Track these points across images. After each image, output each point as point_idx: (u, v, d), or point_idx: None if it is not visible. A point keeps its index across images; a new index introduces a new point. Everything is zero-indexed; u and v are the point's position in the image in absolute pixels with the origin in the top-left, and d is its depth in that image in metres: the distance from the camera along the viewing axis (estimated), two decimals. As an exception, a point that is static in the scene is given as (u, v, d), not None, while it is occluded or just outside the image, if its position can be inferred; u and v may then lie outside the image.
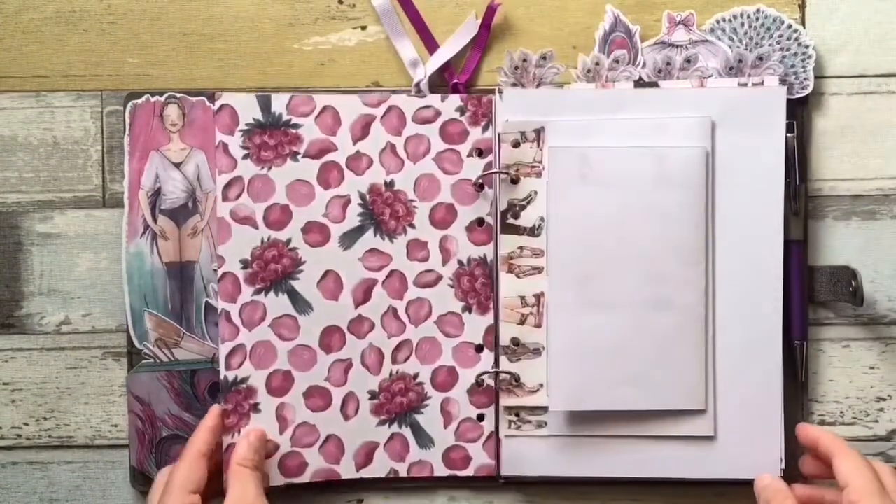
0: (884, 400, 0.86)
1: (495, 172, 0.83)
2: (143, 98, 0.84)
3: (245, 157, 0.83)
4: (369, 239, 0.84)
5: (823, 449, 0.77)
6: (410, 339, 0.84)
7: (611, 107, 0.82)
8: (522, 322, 0.83)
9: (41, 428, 0.86)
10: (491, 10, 0.85)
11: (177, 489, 0.75)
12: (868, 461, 0.74)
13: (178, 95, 0.84)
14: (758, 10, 0.84)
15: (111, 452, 0.86)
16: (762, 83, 0.83)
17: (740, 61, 0.83)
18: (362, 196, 0.84)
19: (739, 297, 0.82)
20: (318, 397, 0.84)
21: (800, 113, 0.84)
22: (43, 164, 0.86)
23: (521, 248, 0.83)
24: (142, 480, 0.85)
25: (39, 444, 0.86)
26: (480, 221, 0.84)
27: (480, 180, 0.83)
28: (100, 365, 0.86)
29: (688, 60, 0.84)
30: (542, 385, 0.83)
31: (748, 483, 0.80)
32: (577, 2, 0.86)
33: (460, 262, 0.84)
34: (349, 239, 0.84)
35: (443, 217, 0.84)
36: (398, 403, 0.84)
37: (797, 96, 0.84)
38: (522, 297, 0.83)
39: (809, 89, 0.84)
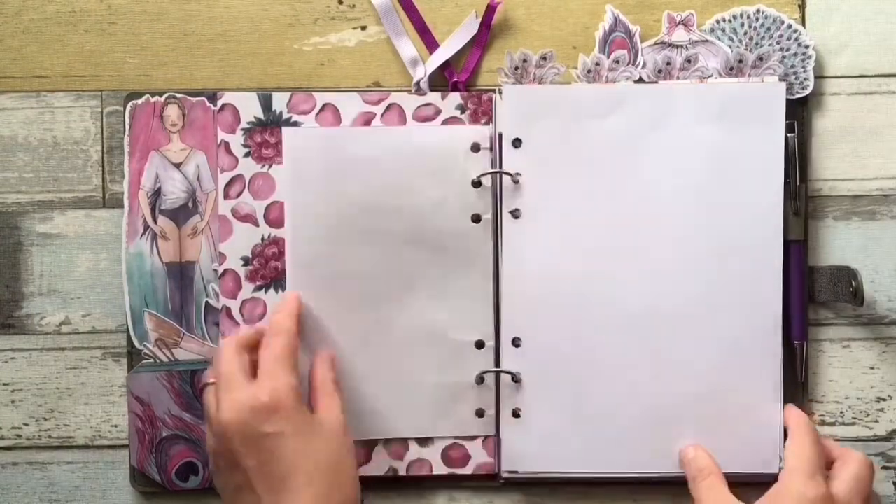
0: (884, 400, 0.86)
1: (496, 172, 0.83)
2: (143, 98, 0.85)
3: (246, 155, 0.84)
4: (369, 236, 0.84)
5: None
6: (411, 336, 0.85)
7: (610, 104, 0.82)
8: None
9: (41, 428, 0.86)
10: (491, 10, 0.85)
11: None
12: (815, 445, 0.78)
13: (178, 95, 0.84)
14: (758, 11, 0.84)
15: (111, 453, 0.86)
16: (762, 83, 0.83)
17: (740, 61, 0.83)
18: (362, 193, 0.84)
19: (739, 296, 0.82)
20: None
21: (800, 113, 0.84)
22: (43, 164, 0.86)
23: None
24: (142, 480, 0.85)
25: (39, 444, 0.86)
26: (477, 218, 0.84)
27: (480, 177, 0.83)
28: (100, 365, 0.86)
29: (688, 60, 0.84)
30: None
31: (749, 483, 0.80)
32: (577, 2, 0.86)
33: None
34: (349, 236, 0.84)
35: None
36: (398, 401, 0.85)
37: (797, 96, 0.84)
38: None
39: (809, 89, 0.84)
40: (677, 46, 0.84)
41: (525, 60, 0.84)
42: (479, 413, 0.84)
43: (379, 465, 0.84)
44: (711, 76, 0.84)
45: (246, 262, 0.84)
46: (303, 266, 0.83)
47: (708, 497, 0.79)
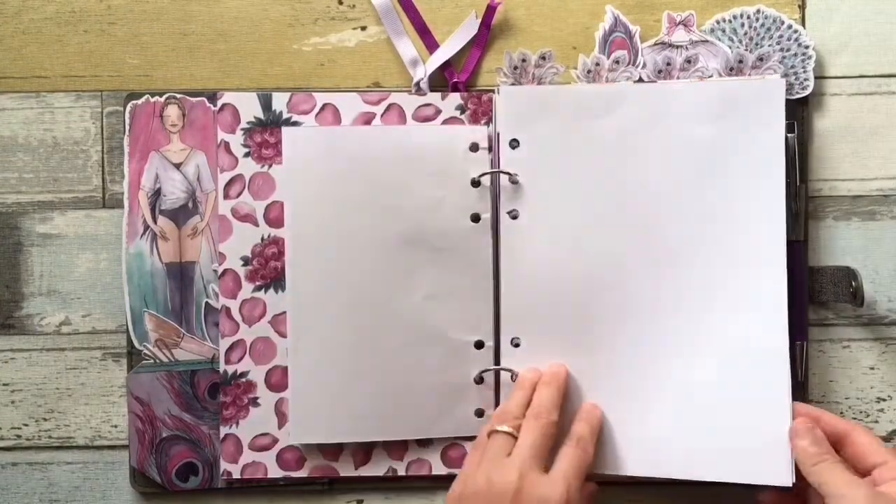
0: (884, 400, 0.86)
1: (495, 172, 0.83)
2: (143, 98, 0.85)
3: (246, 155, 0.84)
4: (369, 236, 0.84)
5: (830, 427, 0.77)
6: (411, 336, 0.85)
7: (609, 103, 0.82)
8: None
9: (41, 428, 0.86)
10: (491, 10, 0.85)
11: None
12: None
13: (178, 96, 0.85)
14: (758, 11, 0.84)
15: (111, 453, 0.86)
16: (762, 79, 0.83)
17: (740, 61, 0.83)
18: (362, 193, 0.84)
19: (743, 297, 0.81)
20: (317, 394, 0.84)
21: (800, 113, 0.84)
22: (43, 164, 0.86)
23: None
24: (142, 481, 0.85)
25: (39, 444, 0.86)
26: (476, 217, 0.84)
27: (479, 177, 0.83)
28: (100, 365, 0.86)
29: (688, 61, 0.84)
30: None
31: (752, 485, 0.79)
32: (577, 2, 0.86)
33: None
34: (350, 236, 0.84)
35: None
36: (398, 400, 0.85)
37: (797, 96, 0.84)
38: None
39: (809, 90, 0.84)
40: (677, 47, 0.84)
41: (524, 60, 0.84)
42: (479, 413, 0.84)
43: (379, 465, 0.84)
44: (711, 76, 0.84)
45: (246, 262, 0.84)
46: (302, 266, 0.83)
47: (834, 478, 0.73)
